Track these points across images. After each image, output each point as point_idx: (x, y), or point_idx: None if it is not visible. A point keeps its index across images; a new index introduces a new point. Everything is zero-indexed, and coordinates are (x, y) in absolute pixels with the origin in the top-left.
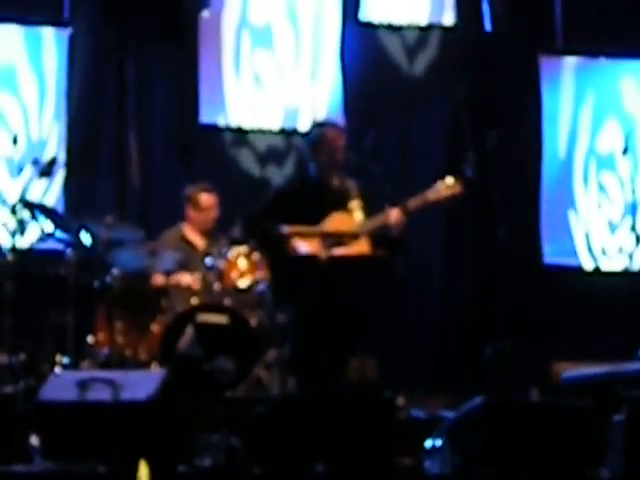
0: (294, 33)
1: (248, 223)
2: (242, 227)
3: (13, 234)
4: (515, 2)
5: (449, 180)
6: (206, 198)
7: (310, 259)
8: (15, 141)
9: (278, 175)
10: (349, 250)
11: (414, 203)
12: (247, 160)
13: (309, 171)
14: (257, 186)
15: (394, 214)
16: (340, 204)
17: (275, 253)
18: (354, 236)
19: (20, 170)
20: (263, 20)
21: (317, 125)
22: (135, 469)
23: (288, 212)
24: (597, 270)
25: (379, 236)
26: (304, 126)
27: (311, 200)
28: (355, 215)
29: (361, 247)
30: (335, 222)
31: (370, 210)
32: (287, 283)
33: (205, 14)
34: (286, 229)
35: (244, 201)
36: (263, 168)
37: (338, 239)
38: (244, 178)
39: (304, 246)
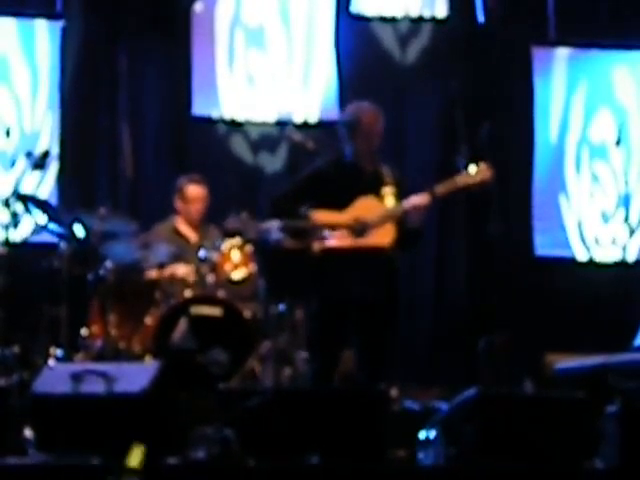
0: (287, 34)
1: (276, 204)
2: (270, 207)
3: (6, 227)
4: None
5: (480, 165)
6: (192, 189)
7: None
8: (8, 133)
9: (271, 163)
10: (372, 239)
11: (443, 188)
12: (240, 147)
13: (345, 154)
14: (250, 174)
15: (416, 198)
16: (373, 189)
17: (300, 238)
18: (378, 223)
19: (13, 163)
20: (256, 21)
21: (354, 107)
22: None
23: (319, 194)
24: (590, 261)
25: (400, 224)
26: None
27: (344, 183)
28: (387, 201)
29: (385, 234)
30: (361, 207)
31: (404, 195)
32: (280, 276)
33: (198, 7)
34: (313, 216)
35: (236, 189)
36: (256, 156)
37: (363, 226)
38: (236, 166)
39: (330, 233)
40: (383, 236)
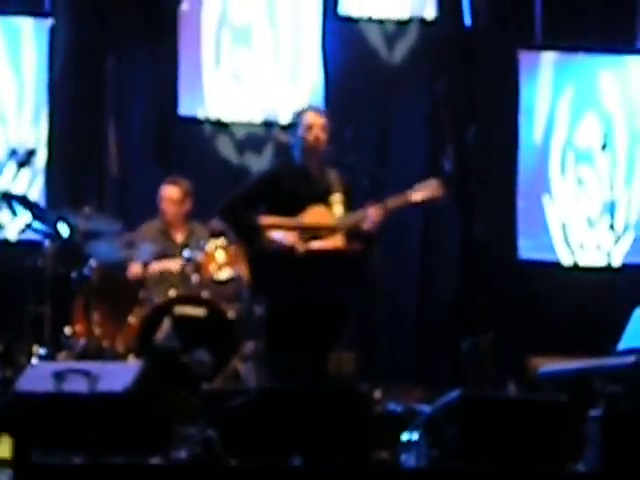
0: (273, 34)
1: (224, 208)
2: (218, 212)
3: None
4: None
5: (431, 182)
6: (163, 190)
7: (287, 252)
8: None
9: (257, 163)
10: (325, 244)
11: (394, 202)
12: (226, 148)
13: (293, 159)
14: (235, 174)
15: (373, 212)
16: (321, 196)
17: (249, 241)
18: (331, 230)
19: (1, 170)
20: (243, 20)
21: (297, 111)
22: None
23: (268, 198)
24: (574, 266)
25: (352, 231)
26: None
27: (294, 187)
28: (335, 209)
29: (335, 242)
30: (313, 215)
31: (351, 202)
32: (264, 276)
33: (184, 7)
34: (263, 220)
35: (222, 189)
36: (242, 156)
37: (315, 232)
38: (222, 166)
39: (280, 235)
40: (334, 244)
